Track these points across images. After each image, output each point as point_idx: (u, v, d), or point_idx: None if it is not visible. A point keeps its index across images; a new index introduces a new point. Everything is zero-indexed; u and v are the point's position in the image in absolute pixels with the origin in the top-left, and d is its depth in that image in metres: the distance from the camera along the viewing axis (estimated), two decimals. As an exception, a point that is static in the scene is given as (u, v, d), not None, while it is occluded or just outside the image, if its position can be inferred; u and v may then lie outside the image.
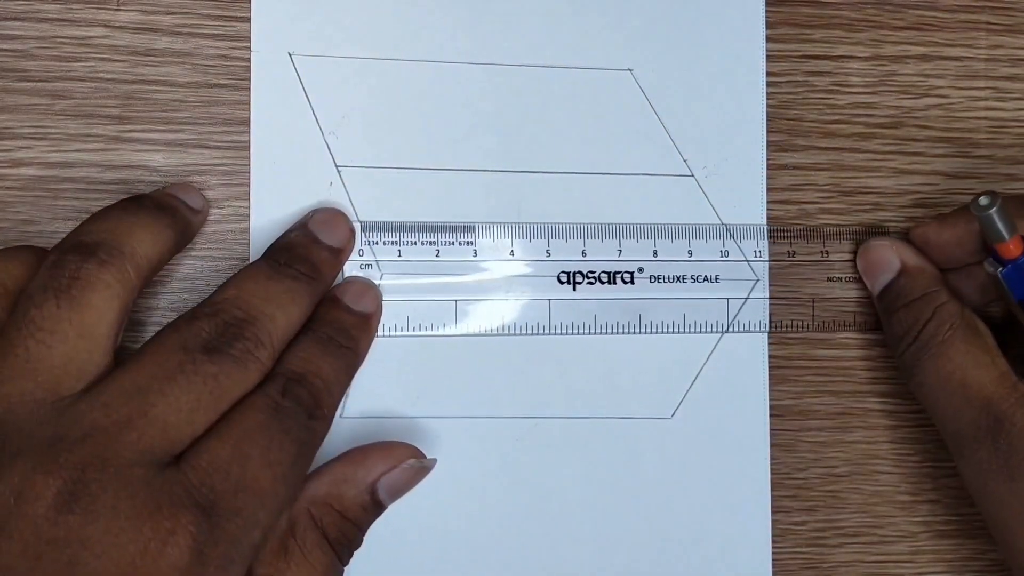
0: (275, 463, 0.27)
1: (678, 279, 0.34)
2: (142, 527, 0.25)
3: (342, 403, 0.33)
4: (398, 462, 0.30)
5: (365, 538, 0.30)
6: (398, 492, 0.31)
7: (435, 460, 0.31)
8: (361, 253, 0.33)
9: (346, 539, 0.29)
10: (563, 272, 0.34)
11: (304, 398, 0.28)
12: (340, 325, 0.31)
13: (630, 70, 0.34)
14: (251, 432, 0.27)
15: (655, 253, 0.34)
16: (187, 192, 0.31)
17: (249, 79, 0.33)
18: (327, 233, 0.32)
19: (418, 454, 0.31)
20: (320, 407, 0.29)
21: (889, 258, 0.33)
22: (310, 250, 0.31)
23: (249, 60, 0.33)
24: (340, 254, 0.32)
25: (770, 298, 0.34)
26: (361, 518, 0.30)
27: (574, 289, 0.34)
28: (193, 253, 0.33)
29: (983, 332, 0.32)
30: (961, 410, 0.31)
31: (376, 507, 0.30)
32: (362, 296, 0.32)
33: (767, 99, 0.35)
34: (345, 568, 0.30)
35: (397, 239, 0.33)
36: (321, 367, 0.29)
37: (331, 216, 0.32)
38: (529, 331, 0.34)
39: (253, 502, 0.26)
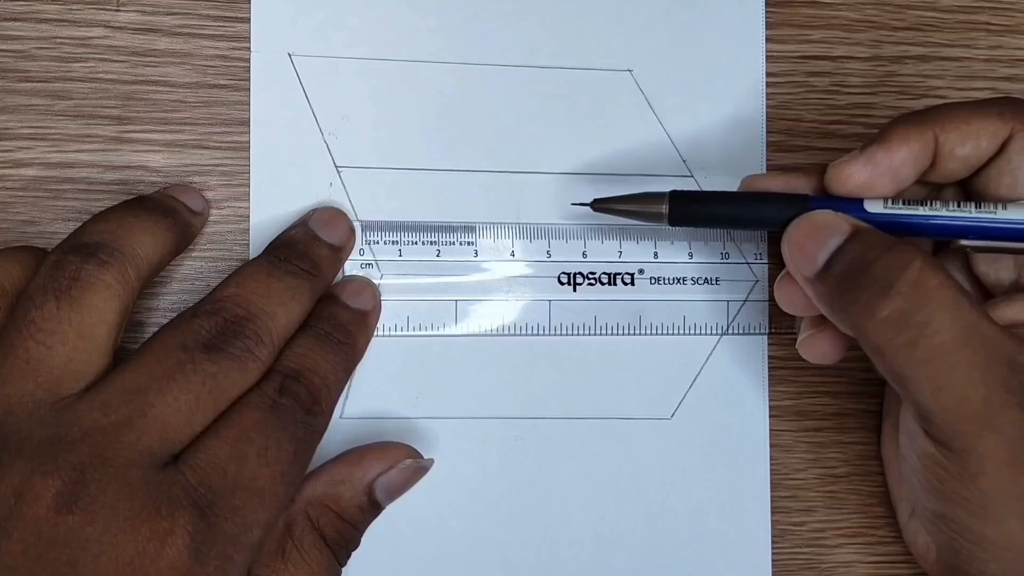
0: (273, 462, 0.27)
1: (678, 281, 0.34)
2: (140, 527, 0.25)
3: (341, 403, 0.33)
4: (395, 462, 0.30)
5: (365, 538, 0.30)
6: (395, 493, 0.31)
7: (432, 460, 0.31)
8: (361, 252, 0.33)
9: (344, 540, 0.29)
10: (563, 273, 0.34)
11: (301, 395, 0.28)
12: (337, 321, 0.31)
13: (630, 70, 0.34)
14: (249, 431, 0.27)
15: (655, 255, 0.34)
16: (188, 194, 0.31)
17: (249, 79, 0.33)
18: (327, 231, 0.32)
19: (415, 454, 0.31)
20: (318, 403, 0.29)
21: (835, 221, 0.28)
22: (310, 247, 0.31)
23: (249, 60, 0.33)
24: (340, 252, 0.32)
25: (770, 300, 0.34)
26: (358, 519, 0.30)
27: (574, 290, 0.34)
28: (193, 253, 0.33)
29: None
30: (988, 370, 0.26)
31: (373, 508, 0.30)
32: (360, 293, 0.32)
33: (767, 99, 0.35)
34: (343, 568, 0.30)
35: (398, 239, 0.33)
36: (318, 363, 0.29)
37: (331, 214, 0.32)
38: (529, 332, 0.34)
39: (251, 501, 0.26)
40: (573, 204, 0.33)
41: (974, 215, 0.28)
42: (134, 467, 0.25)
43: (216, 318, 0.28)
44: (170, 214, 0.30)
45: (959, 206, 0.28)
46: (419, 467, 0.31)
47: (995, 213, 0.28)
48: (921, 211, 0.28)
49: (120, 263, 0.27)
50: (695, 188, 0.34)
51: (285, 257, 0.30)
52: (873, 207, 0.28)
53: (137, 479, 0.25)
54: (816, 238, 0.28)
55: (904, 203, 0.29)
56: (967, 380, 0.26)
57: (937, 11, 0.36)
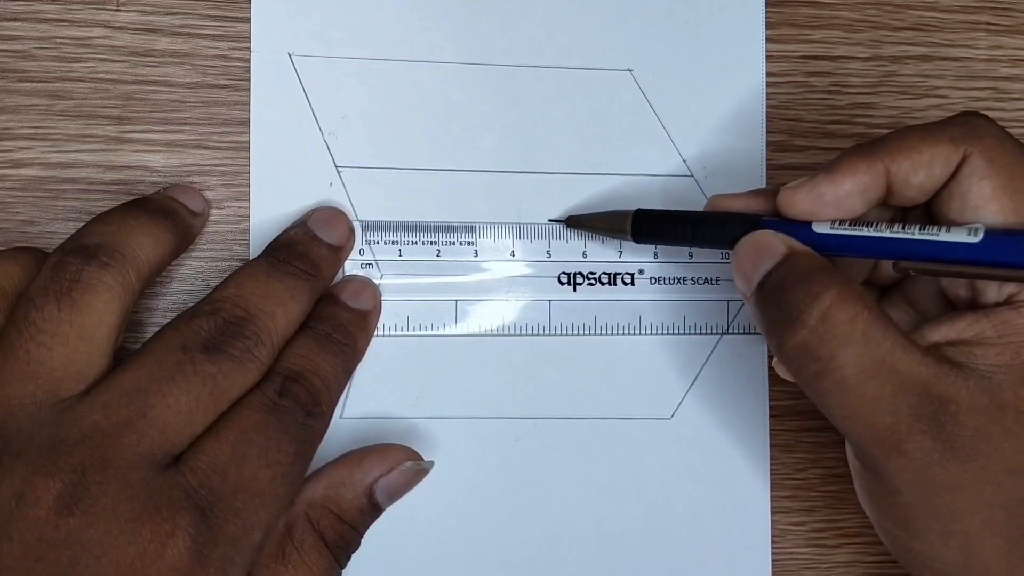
0: (274, 463, 0.27)
1: (678, 281, 0.34)
2: (141, 529, 0.25)
3: (341, 404, 0.33)
4: (395, 464, 0.30)
5: (365, 538, 0.30)
6: (395, 495, 0.31)
7: (432, 462, 0.31)
8: (362, 252, 0.33)
9: (344, 541, 0.29)
10: (563, 273, 0.34)
11: (302, 396, 0.28)
12: (337, 322, 0.31)
13: (630, 70, 0.34)
14: (249, 432, 0.27)
15: (655, 255, 0.34)
16: (188, 195, 0.31)
17: (249, 79, 0.33)
18: (327, 231, 0.32)
19: (415, 456, 0.31)
20: (318, 404, 0.29)
21: (772, 243, 0.29)
22: (309, 247, 0.31)
23: (249, 60, 0.33)
24: (339, 252, 0.32)
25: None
26: (358, 521, 0.30)
27: (574, 290, 0.34)
28: (193, 253, 0.33)
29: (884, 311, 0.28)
30: (895, 401, 0.26)
31: (373, 510, 0.30)
32: (360, 293, 0.32)
33: (767, 99, 0.35)
34: (343, 570, 0.30)
35: (398, 239, 0.33)
36: (319, 364, 0.29)
37: (331, 214, 0.32)
38: (529, 331, 0.34)
39: (252, 502, 0.26)
40: (550, 220, 0.34)
41: (915, 237, 0.28)
42: (135, 469, 0.25)
43: (215, 318, 0.28)
44: (170, 215, 0.30)
45: (904, 228, 0.28)
46: (419, 469, 0.31)
47: (936, 236, 0.27)
48: (865, 231, 0.28)
49: (121, 265, 0.27)
50: (696, 188, 0.34)
51: (284, 258, 0.30)
52: (820, 227, 0.29)
53: (138, 481, 0.25)
54: (753, 259, 0.29)
55: (850, 224, 0.28)
56: (872, 411, 0.26)
57: (937, 11, 0.36)
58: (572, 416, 0.34)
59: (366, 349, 0.32)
